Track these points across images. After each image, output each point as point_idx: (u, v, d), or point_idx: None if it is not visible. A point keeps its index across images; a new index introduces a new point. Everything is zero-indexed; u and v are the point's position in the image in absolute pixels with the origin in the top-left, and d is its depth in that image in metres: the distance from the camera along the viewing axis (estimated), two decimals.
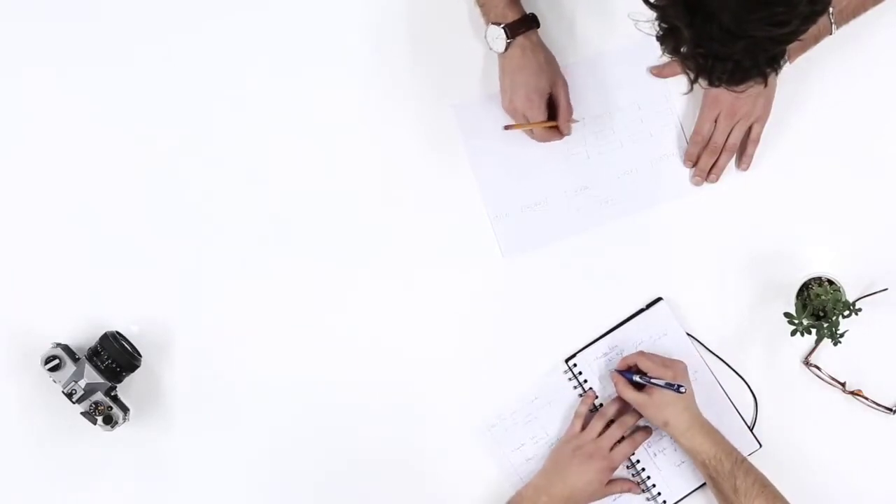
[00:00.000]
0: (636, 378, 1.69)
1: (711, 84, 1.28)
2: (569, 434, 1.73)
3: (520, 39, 1.66)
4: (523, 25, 1.66)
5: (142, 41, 1.76)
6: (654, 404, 1.67)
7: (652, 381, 1.66)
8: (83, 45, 1.76)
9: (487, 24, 1.67)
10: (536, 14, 1.69)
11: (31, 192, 1.76)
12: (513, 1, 1.67)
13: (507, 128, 1.72)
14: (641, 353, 1.71)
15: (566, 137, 1.74)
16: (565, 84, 1.70)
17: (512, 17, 1.66)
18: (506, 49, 1.66)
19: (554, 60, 1.70)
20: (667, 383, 1.64)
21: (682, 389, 1.64)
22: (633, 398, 1.69)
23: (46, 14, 1.76)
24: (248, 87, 1.77)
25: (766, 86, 1.31)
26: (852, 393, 1.73)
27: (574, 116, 1.72)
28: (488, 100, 1.75)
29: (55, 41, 1.76)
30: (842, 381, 1.74)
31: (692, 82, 1.30)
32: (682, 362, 1.70)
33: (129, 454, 1.75)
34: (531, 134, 1.72)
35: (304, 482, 1.76)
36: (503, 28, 1.65)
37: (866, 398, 1.73)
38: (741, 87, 1.29)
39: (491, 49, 1.68)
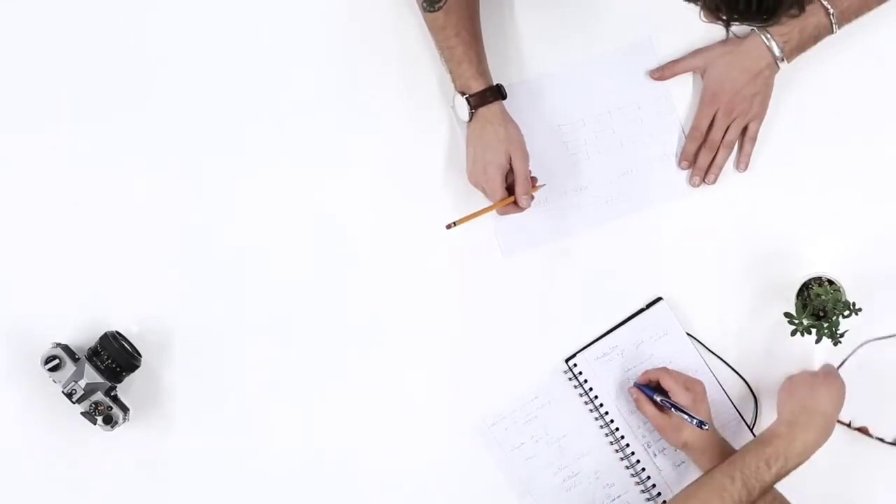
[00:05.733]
0: (658, 399, 1.69)
1: (742, 17, 1.26)
2: None
3: (482, 111, 1.65)
4: (488, 97, 1.65)
5: (143, 45, 1.76)
6: (673, 426, 1.68)
7: (677, 409, 1.66)
8: (83, 47, 1.76)
9: (454, 91, 1.67)
10: (528, 24, 1.69)
11: (32, 193, 1.76)
12: (479, 71, 1.65)
13: (449, 227, 1.66)
14: (665, 370, 1.71)
15: (563, 140, 1.76)
16: (526, 157, 1.66)
17: (476, 87, 1.65)
18: (469, 119, 1.66)
19: (516, 134, 1.66)
20: (694, 419, 1.64)
21: (706, 427, 1.64)
22: (653, 417, 1.69)
23: (46, 16, 1.77)
24: (246, 90, 1.76)
25: (801, 13, 1.28)
26: (858, 429, 1.72)
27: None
28: None
29: (55, 43, 1.76)
30: (846, 420, 1.73)
31: (727, 27, 1.30)
32: (701, 383, 1.70)
33: (129, 454, 1.75)
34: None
35: (303, 482, 1.76)
36: (466, 99, 1.65)
37: (871, 435, 1.73)
38: (775, 19, 1.27)
39: (457, 117, 1.69)
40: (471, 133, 1.68)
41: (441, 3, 1.62)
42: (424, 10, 1.65)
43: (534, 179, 1.69)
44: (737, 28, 1.71)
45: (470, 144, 1.69)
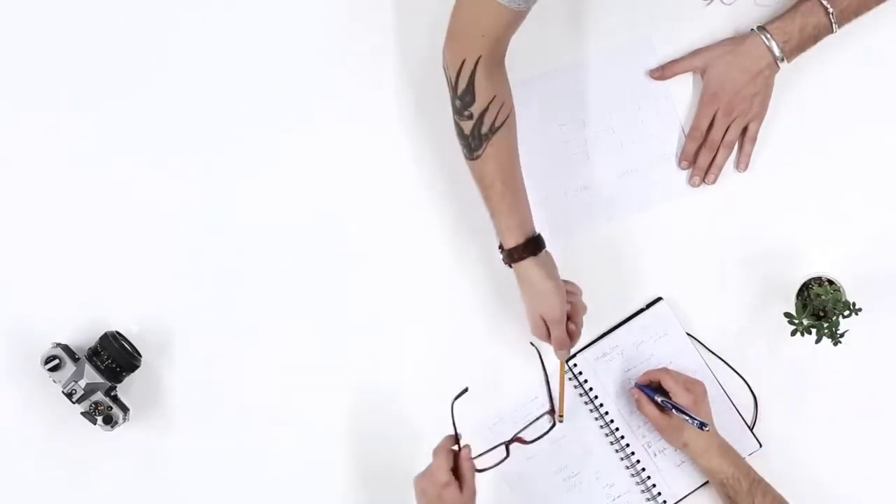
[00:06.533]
0: (659, 399, 1.69)
1: None
2: None
3: (515, 268, 1.63)
4: (522, 253, 1.61)
5: (141, 44, 1.77)
6: (673, 427, 1.68)
7: (678, 409, 1.66)
8: (82, 48, 1.76)
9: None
10: (528, 23, 1.67)
11: (32, 193, 1.76)
12: (508, 225, 1.61)
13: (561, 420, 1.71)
14: (666, 370, 1.71)
15: (565, 141, 1.76)
16: (557, 319, 1.63)
17: (508, 243, 1.62)
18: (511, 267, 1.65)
19: (549, 294, 1.62)
20: (695, 420, 1.64)
21: (707, 428, 1.64)
22: (654, 417, 1.69)
23: (46, 18, 1.77)
24: (247, 89, 1.77)
25: None
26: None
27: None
28: None
29: (55, 45, 1.77)
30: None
31: None
32: (702, 384, 1.70)
33: (129, 454, 1.75)
34: None
35: (302, 483, 1.76)
36: (501, 256, 1.64)
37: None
38: None
39: None
40: (519, 283, 1.65)
41: (479, 153, 1.59)
42: (465, 157, 1.62)
43: (572, 333, 1.66)
44: (736, 25, 1.72)
45: (521, 291, 1.66)
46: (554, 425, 1.69)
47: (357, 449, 1.76)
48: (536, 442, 1.68)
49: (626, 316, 1.76)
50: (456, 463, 1.58)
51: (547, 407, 1.71)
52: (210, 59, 1.76)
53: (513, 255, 1.62)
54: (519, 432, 1.67)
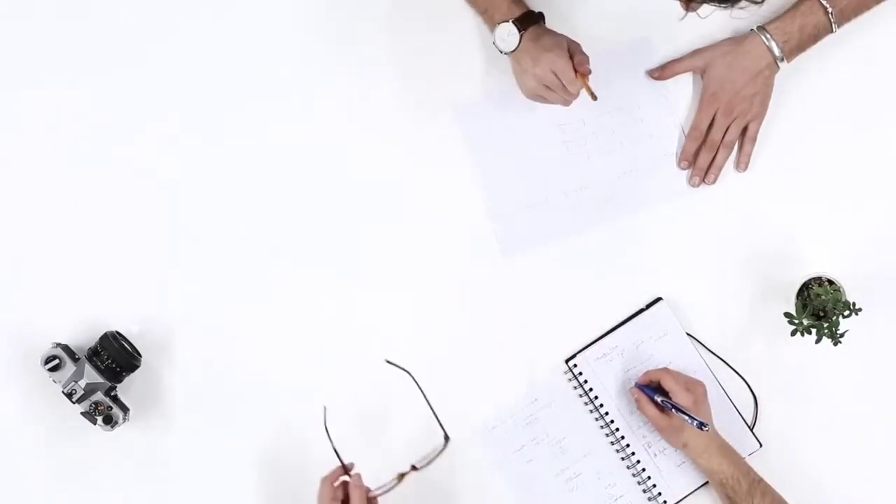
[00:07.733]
0: (659, 399, 1.68)
1: None
2: None
3: (531, 30, 1.64)
4: (535, 17, 1.65)
5: (140, 43, 1.77)
6: (673, 427, 1.68)
7: (678, 410, 1.65)
8: (81, 49, 1.77)
9: (494, 25, 1.65)
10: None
11: (32, 193, 1.76)
12: (516, 0, 1.66)
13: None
14: (667, 370, 1.71)
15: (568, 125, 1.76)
16: (576, 42, 1.67)
17: (519, 12, 1.65)
18: (519, 43, 1.64)
19: (564, 36, 1.66)
20: (694, 420, 1.64)
21: (706, 428, 1.64)
22: (654, 417, 1.69)
23: (42, 19, 1.77)
24: (247, 87, 1.77)
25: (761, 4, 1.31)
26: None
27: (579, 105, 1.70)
28: (489, 99, 1.76)
29: (53, 45, 1.77)
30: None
31: (686, 4, 1.32)
32: (702, 384, 1.70)
33: (129, 454, 1.75)
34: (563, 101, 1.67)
35: (303, 483, 1.75)
36: (513, 23, 1.63)
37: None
38: (735, 5, 1.30)
39: (502, 51, 1.66)
40: (523, 55, 1.65)
41: None
42: None
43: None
44: (736, 25, 1.72)
45: (525, 62, 1.65)
46: (446, 443, 1.69)
47: (358, 451, 1.75)
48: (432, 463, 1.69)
49: (626, 316, 1.76)
50: (346, 491, 1.61)
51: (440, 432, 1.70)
52: (211, 59, 1.77)
53: (532, 16, 1.64)
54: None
